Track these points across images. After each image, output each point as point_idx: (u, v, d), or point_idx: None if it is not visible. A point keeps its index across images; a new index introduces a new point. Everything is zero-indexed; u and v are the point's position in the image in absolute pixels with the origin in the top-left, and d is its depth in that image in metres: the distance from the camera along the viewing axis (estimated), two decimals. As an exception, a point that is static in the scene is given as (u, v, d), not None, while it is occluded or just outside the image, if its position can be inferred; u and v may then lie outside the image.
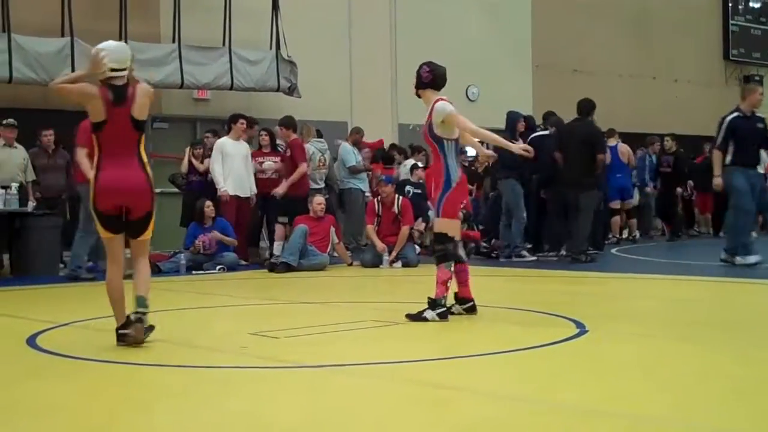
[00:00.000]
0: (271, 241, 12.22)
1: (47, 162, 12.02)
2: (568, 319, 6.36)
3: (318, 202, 11.74)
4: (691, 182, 16.67)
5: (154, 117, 13.80)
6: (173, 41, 14.01)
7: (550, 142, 12.24)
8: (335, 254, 12.13)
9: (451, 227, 6.59)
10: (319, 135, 13.62)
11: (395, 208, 11.78)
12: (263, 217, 12.73)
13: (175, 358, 5.26)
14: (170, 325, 5.71)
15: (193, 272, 11.20)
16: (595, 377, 4.61)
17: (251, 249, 12.69)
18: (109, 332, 5.62)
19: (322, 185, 13.14)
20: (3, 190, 10.91)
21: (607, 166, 12.65)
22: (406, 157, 14.82)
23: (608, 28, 20.59)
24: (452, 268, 6.56)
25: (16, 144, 11.63)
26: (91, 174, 5.60)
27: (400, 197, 12.03)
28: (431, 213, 10.14)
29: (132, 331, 5.40)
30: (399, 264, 11.59)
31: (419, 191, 13.21)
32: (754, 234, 11.67)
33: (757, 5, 24.33)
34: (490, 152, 7.86)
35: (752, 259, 10.35)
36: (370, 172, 14.28)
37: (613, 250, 13.58)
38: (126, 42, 11.05)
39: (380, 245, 11.65)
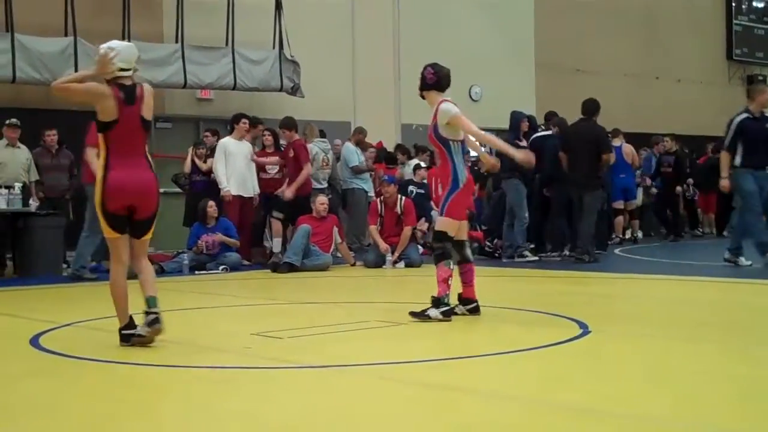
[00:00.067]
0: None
1: (50, 162, 12.04)
2: (571, 320, 6.35)
3: (321, 202, 11.74)
4: (690, 180, 16.63)
5: (157, 117, 13.81)
6: (176, 41, 14.03)
7: (552, 142, 12.25)
8: (338, 254, 12.14)
9: (451, 226, 6.60)
10: (322, 135, 13.61)
11: (398, 209, 11.77)
12: (266, 216, 12.73)
13: (178, 359, 5.26)
14: (173, 326, 5.70)
15: (196, 272, 11.21)
16: (598, 378, 4.60)
17: (254, 249, 12.69)
18: (112, 332, 5.63)
19: (325, 185, 13.15)
20: (6, 190, 10.92)
21: (611, 167, 12.63)
22: (410, 158, 14.82)
23: (611, 27, 20.59)
24: (451, 266, 6.57)
25: (19, 144, 11.65)
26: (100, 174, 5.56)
27: (403, 197, 12.03)
28: (434, 213, 10.14)
29: (152, 331, 5.41)
30: (402, 264, 11.59)
31: (422, 191, 13.22)
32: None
33: (760, 5, 24.32)
34: (494, 160, 7.65)
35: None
36: (373, 173, 14.28)
37: (616, 251, 13.58)
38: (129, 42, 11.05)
39: (383, 245, 11.65)
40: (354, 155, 13.85)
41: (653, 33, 21.47)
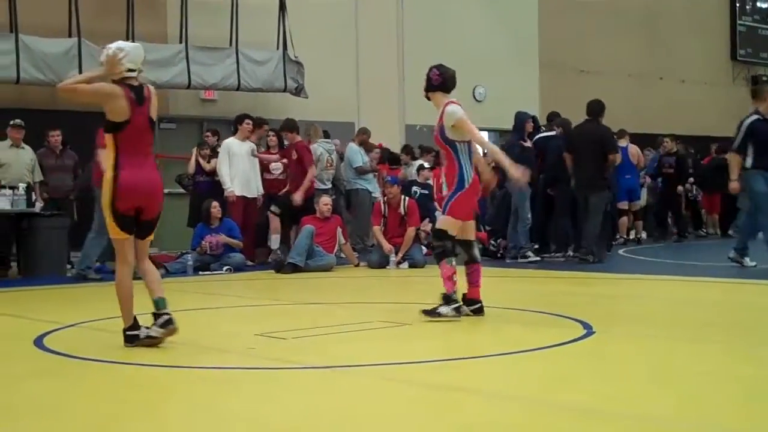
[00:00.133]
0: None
1: (55, 162, 12.05)
2: (575, 320, 6.34)
3: (325, 202, 11.75)
4: (691, 179, 16.59)
5: (161, 117, 13.80)
6: (180, 42, 14.04)
7: (555, 142, 12.24)
8: (342, 255, 12.15)
9: (452, 225, 6.60)
10: (326, 135, 13.62)
11: (401, 209, 11.77)
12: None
13: (182, 359, 5.26)
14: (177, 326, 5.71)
15: (200, 273, 11.22)
16: (603, 378, 4.60)
17: (258, 249, 12.70)
18: (116, 333, 5.63)
19: (329, 186, 13.15)
20: (10, 191, 10.93)
21: (616, 167, 12.61)
22: (413, 159, 14.81)
23: (615, 28, 20.58)
24: (453, 263, 6.58)
25: (23, 144, 11.66)
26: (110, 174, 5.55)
27: (407, 198, 12.03)
28: (438, 213, 10.12)
29: (166, 332, 5.43)
30: (405, 265, 11.59)
31: (426, 192, 13.21)
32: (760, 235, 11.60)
33: (764, 5, 24.29)
34: (491, 175, 7.63)
35: None
36: (377, 173, 14.28)
37: (621, 251, 13.56)
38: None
39: (387, 246, 11.65)
40: (358, 156, 13.85)
41: (657, 33, 21.44)
